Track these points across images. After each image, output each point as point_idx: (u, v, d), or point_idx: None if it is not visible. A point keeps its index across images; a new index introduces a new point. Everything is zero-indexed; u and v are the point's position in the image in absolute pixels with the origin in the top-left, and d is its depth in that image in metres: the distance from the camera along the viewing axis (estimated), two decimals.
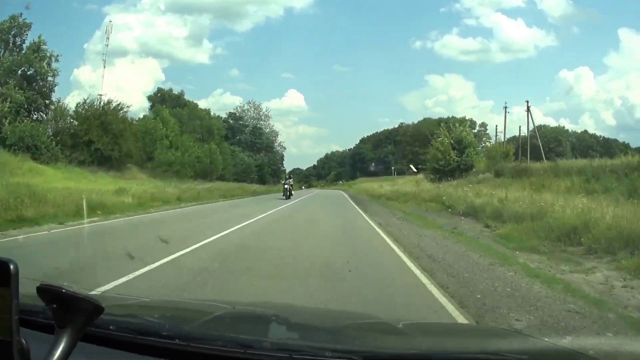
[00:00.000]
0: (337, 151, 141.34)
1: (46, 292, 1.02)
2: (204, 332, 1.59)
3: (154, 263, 6.92)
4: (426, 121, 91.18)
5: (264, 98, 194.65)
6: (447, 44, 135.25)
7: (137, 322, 1.60)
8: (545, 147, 47.70)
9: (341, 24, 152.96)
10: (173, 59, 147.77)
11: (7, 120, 30.54)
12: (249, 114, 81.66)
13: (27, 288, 1.10)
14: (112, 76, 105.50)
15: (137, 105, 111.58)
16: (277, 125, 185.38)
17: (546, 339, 2.04)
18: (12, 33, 35.71)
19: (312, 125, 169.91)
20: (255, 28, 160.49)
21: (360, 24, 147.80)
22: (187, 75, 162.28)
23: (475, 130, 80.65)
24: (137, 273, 6.24)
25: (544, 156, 39.85)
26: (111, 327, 1.41)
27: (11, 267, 0.89)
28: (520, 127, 79.87)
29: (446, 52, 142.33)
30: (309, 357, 1.36)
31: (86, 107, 38.19)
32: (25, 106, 34.26)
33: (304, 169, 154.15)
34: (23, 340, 0.94)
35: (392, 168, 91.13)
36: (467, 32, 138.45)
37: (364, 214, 19.97)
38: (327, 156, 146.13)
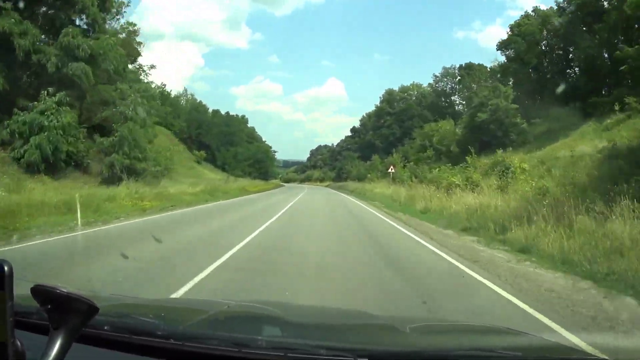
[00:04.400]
0: (398, 93, 67.71)
1: (40, 293, 1.02)
2: (198, 331, 1.59)
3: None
4: None
5: (303, 86, 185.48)
6: (489, 35, 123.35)
7: (132, 322, 1.60)
8: None
9: (382, 11, 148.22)
10: (210, 43, 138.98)
11: None
12: None
13: (21, 289, 1.10)
14: (150, 60, 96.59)
15: (178, 90, 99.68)
16: (315, 115, 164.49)
17: (540, 336, 2.06)
18: None
19: (352, 115, 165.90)
20: (295, 12, 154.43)
21: (402, 11, 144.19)
22: (225, 61, 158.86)
23: None
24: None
25: None
26: (106, 328, 1.41)
27: (5, 268, 0.88)
28: None
29: (490, 43, 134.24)
30: (303, 356, 1.37)
31: None
32: None
33: (333, 144, 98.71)
34: (18, 342, 0.94)
35: None
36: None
37: None
38: (368, 117, 74.91)
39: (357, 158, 68.29)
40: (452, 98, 60.95)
